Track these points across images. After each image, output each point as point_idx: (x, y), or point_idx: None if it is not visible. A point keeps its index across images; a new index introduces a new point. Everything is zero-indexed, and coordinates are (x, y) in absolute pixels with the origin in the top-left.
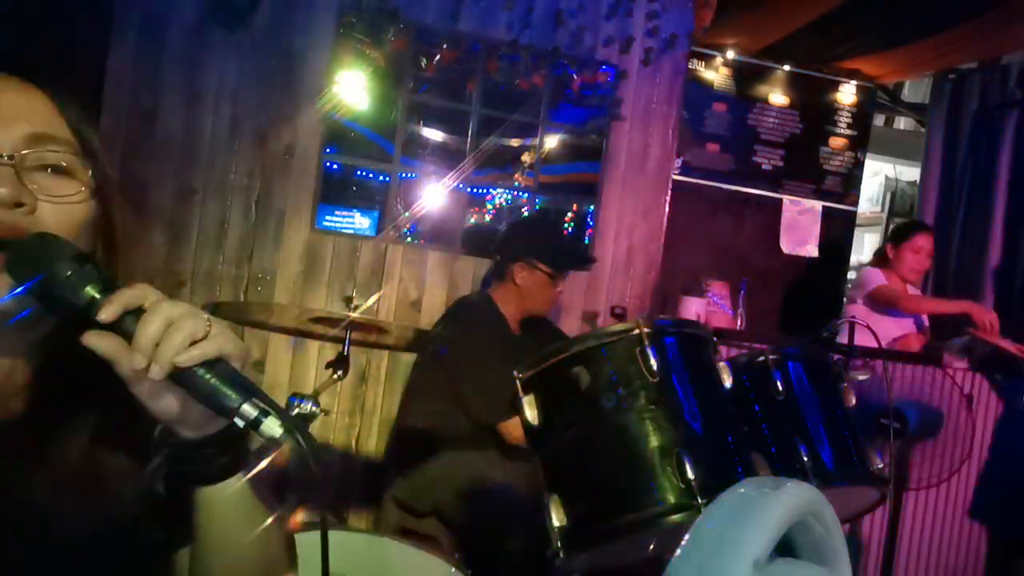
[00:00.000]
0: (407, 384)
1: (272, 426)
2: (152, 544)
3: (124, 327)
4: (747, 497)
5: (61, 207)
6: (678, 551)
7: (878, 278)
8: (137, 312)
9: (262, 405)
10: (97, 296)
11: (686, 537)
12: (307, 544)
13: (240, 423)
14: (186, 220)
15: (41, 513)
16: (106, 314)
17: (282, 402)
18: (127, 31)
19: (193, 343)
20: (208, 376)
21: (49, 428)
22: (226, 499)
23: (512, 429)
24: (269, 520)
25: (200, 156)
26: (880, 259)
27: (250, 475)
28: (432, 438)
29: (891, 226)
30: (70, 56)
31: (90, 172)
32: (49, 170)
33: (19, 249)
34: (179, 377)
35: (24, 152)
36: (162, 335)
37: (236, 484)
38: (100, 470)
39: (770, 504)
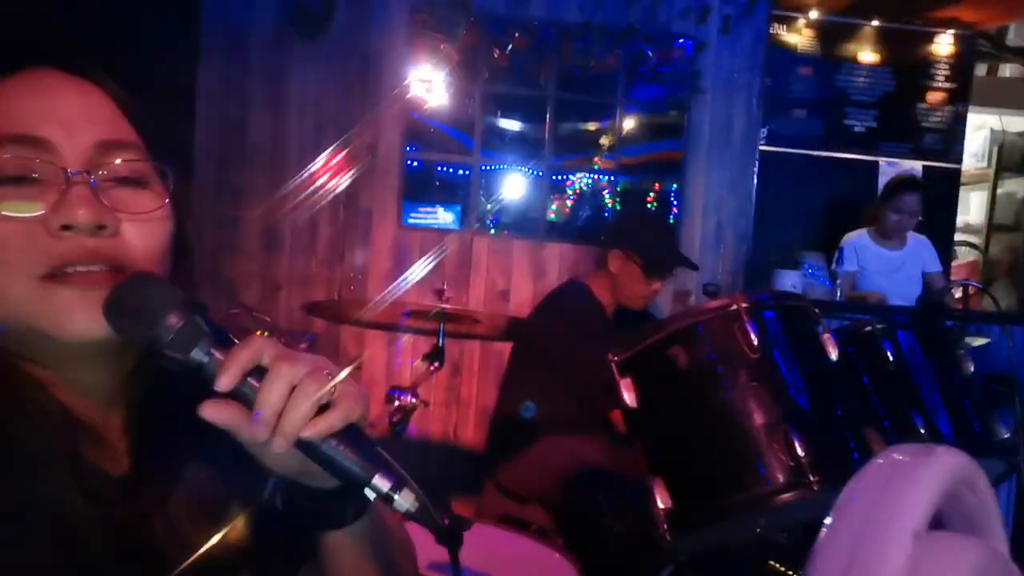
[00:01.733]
0: (506, 371)
1: (405, 501)
2: (247, 550)
3: (242, 392)
4: (898, 464)
5: (144, 225)
6: (825, 528)
7: (848, 257)
8: (255, 371)
9: (394, 476)
10: (210, 356)
11: (833, 512)
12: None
13: (371, 495)
14: (278, 224)
15: (168, 558)
16: (224, 384)
17: (381, 395)
18: (214, 48)
19: (319, 411)
20: (336, 447)
21: (163, 467)
22: (351, 538)
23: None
24: (393, 536)
25: (288, 162)
26: (868, 218)
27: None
28: (532, 424)
29: (999, 182)
30: (163, 77)
31: (167, 179)
32: (124, 182)
33: (118, 292)
34: (304, 447)
35: (96, 164)
36: (286, 404)
37: (360, 526)
38: (218, 499)
39: (923, 471)
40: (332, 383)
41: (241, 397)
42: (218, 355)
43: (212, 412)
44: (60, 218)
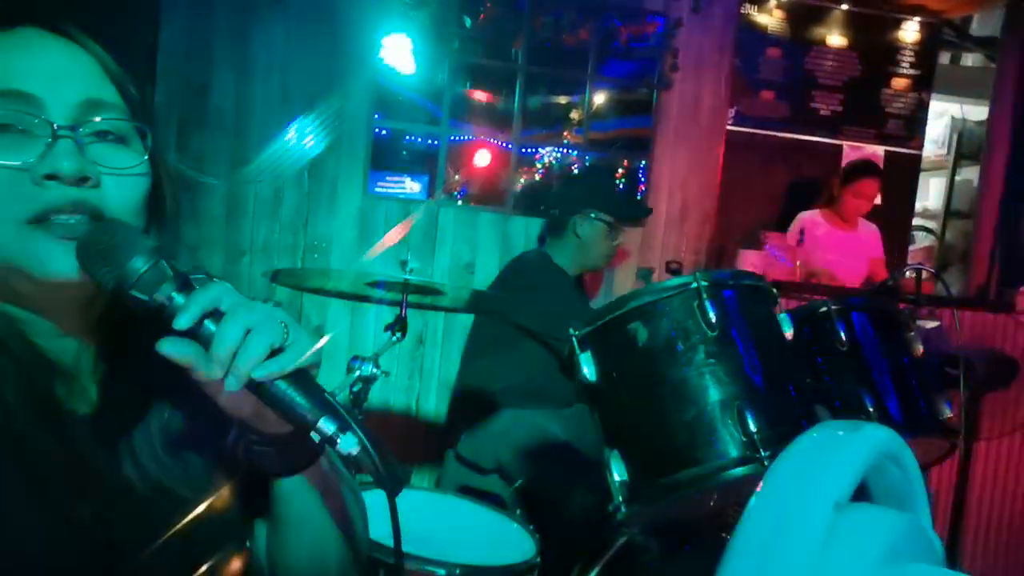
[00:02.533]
0: (467, 343)
1: (349, 443)
2: (232, 518)
3: (200, 332)
4: (825, 439)
5: (123, 180)
6: (754, 497)
7: (796, 232)
8: (214, 314)
9: (339, 420)
10: (172, 298)
11: (761, 482)
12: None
13: (316, 438)
14: (242, 190)
15: (132, 492)
16: (183, 322)
17: (343, 365)
18: (177, 5)
19: (272, 354)
20: (285, 389)
21: (127, 405)
22: (304, 486)
23: None
24: (345, 491)
25: (253, 126)
26: (827, 199)
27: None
28: (493, 396)
29: (958, 169)
30: (122, 32)
31: (145, 139)
32: (105, 139)
33: (92, 235)
34: (256, 388)
35: (80, 120)
36: (240, 345)
37: (312, 471)
38: (181, 442)
39: (849, 445)
40: (285, 328)
41: (199, 337)
42: (180, 297)
43: (169, 347)
44: (46, 168)
